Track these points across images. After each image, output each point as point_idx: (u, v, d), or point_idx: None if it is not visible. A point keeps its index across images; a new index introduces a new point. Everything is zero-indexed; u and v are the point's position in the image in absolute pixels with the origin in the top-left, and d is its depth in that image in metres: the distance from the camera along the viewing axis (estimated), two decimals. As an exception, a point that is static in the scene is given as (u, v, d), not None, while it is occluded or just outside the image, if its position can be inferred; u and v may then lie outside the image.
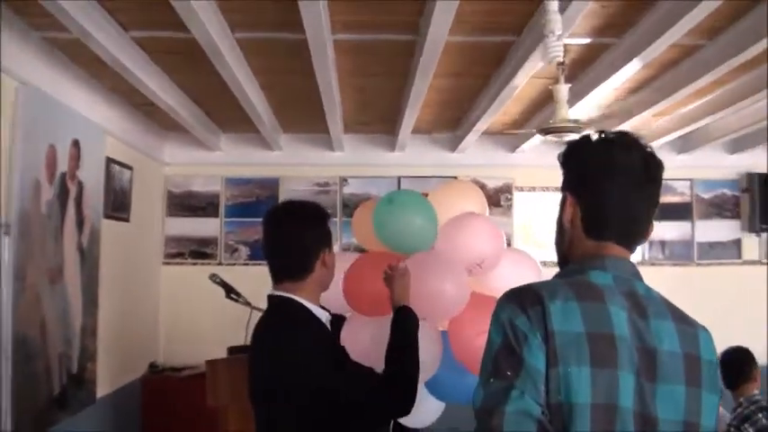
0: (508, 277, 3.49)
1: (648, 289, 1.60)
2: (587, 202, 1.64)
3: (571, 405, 1.38)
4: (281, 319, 2.35)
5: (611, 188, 1.61)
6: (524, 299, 1.47)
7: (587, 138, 1.70)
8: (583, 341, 1.41)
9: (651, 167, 1.63)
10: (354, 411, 2.26)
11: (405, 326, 2.55)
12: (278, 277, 2.39)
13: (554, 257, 1.76)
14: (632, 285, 1.57)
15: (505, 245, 3.54)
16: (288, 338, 2.27)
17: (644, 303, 1.54)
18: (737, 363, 4.31)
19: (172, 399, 5.73)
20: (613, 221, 1.62)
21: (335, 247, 2.71)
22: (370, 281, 2.82)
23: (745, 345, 6.75)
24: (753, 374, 4.28)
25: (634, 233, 1.65)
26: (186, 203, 6.74)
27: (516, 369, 1.40)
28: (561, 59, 3.57)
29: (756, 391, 4.18)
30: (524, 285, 1.54)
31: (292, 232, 2.38)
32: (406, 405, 2.35)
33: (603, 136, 1.68)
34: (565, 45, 3.70)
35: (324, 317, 2.39)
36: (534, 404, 1.38)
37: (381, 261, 2.93)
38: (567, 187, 1.71)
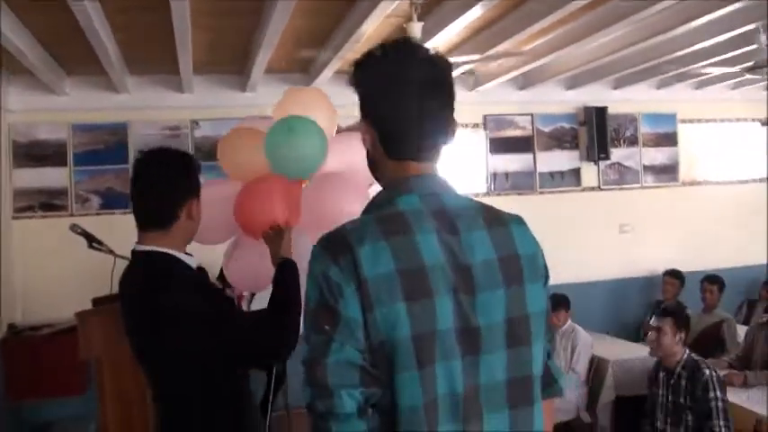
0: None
1: (458, 199, 1.62)
2: (380, 122, 1.62)
3: (392, 341, 1.43)
4: (150, 272, 2.33)
5: (398, 102, 1.58)
6: (335, 248, 1.49)
7: (367, 54, 1.65)
8: (395, 279, 1.45)
9: (436, 70, 1.62)
10: (236, 347, 2.31)
11: (288, 280, 2.57)
12: (143, 226, 2.37)
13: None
14: (441, 202, 1.58)
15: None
16: (162, 286, 2.26)
17: (453, 219, 1.55)
18: None
19: (37, 359, 5.52)
20: (410, 136, 1.60)
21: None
22: (267, 205, 2.85)
23: (586, 261, 7.35)
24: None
25: (434, 142, 1.63)
26: (32, 153, 6.39)
27: (333, 322, 1.44)
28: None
29: None
30: (335, 231, 1.55)
31: (159, 179, 2.36)
32: (284, 348, 2.39)
33: (382, 50, 1.63)
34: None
35: (192, 262, 2.41)
36: (355, 352, 1.43)
37: (278, 185, 3.00)
38: (361, 111, 1.66)
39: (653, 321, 4.48)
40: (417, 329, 1.44)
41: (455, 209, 1.58)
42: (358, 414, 1.42)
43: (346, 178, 3.20)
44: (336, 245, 1.50)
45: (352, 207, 3.08)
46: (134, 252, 2.38)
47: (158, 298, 2.24)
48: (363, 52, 1.66)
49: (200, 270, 2.53)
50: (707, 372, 4.15)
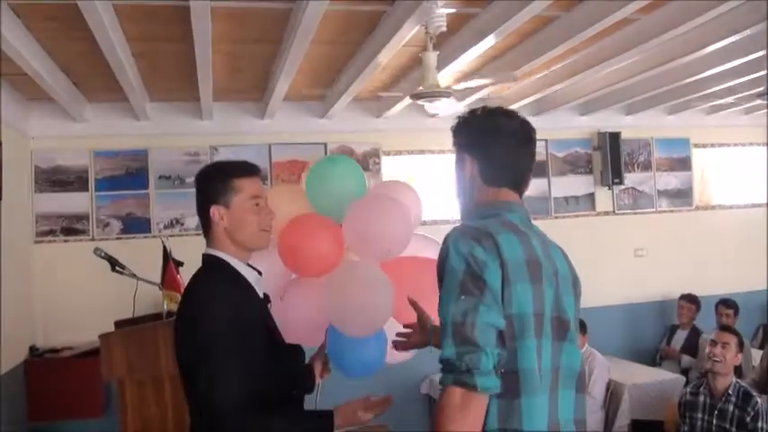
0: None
1: (535, 226, 2.07)
2: (483, 159, 2.07)
3: (521, 315, 1.78)
4: (199, 270, 2.45)
5: (501, 146, 2.06)
6: (477, 234, 1.84)
7: (474, 111, 2.14)
8: (523, 264, 1.83)
9: (528, 130, 2.11)
10: (196, 381, 2.22)
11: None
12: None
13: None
14: (531, 224, 2.05)
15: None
16: (195, 285, 2.38)
17: (543, 236, 2.04)
18: None
19: (58, 381, 5.63)
20: (506, 172, 2.07)
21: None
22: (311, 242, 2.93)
23: (601, 286, 7.39)
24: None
25: (521, 181, 2.11)
26: (54, 179, 6.51)
27: (481, 289, 1.75)
28: (444, 29, 3.78)
29: None
30: (470, 224, 1.93)
31: (196, 191, 2.50)
32: (219, 416, 2.17)
33: (488, 109, 2.13)
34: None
35: (250, 275, 2.45)
36: (498, 317, 1.75)
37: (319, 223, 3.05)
38: (464, 150, 2.12)
39: (716, 336, 4.45)
40: (536, 309, 1.82)
41: (538, 230, 2.05)
42: (495, 372, 1.71)
43: (391, 200, 3.18)
44: (477, 232, 1.85)
45: (393, 229, 3.10)
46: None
47: (187, 298, 2.37)
48: (469, 110, 2.15)
49: (265, 296, 2.59)
50: (759, 401, 4.13)
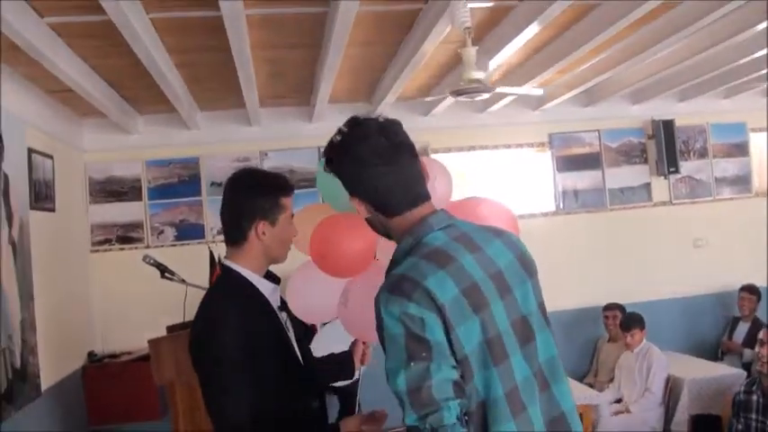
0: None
1: (465, 223, 1.92)
2: (368, 197, 1.89)
3: (475, 351, 1.70)
4: (215, 286, 2.46)
5: (374, 176, 1.85)
6: (405, 288, 1.70)
7: (330, 144, 1.92)
8: (461, 300, 1.71)
9: (391, 136, 1.86)
10: (207, 398, 2.27)
11: None
12: (225, 242, 2.46)
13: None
14: (457, 228, 1.87)
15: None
16: (211, 299, 2.38)
17: (473, 238, 1.84)
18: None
19: (115, 385, 5.79)
20: (395, 197, 1.86)
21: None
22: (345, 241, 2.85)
23: (660, 278, 7.17)
24: None
25: (418, 189, 1.89)
26: (108, 189, 6.68)
27: (427, 349, 1.65)
28: (469, 24, 3.74)
29: None
30: (396, 276, 1.76)
31: (229, 199, 2.44)
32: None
33: (340, 134, 1.89)
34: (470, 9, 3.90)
35: (266, 288, 2.43)
36: (451, 370, 1.66)
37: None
38: (349, 191, 1.93)
39: (763, 336, 4.31)
40: (489, 335, 1.72)
41: (468, 230, 1.88)
42: (460, 421, 1.64)
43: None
44: (404, 285, 1.71)
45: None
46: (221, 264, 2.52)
47: (199, 317, 2.33)
48: (328, 142, 1.92)
49: (283, 303, 2.55)
50: None
